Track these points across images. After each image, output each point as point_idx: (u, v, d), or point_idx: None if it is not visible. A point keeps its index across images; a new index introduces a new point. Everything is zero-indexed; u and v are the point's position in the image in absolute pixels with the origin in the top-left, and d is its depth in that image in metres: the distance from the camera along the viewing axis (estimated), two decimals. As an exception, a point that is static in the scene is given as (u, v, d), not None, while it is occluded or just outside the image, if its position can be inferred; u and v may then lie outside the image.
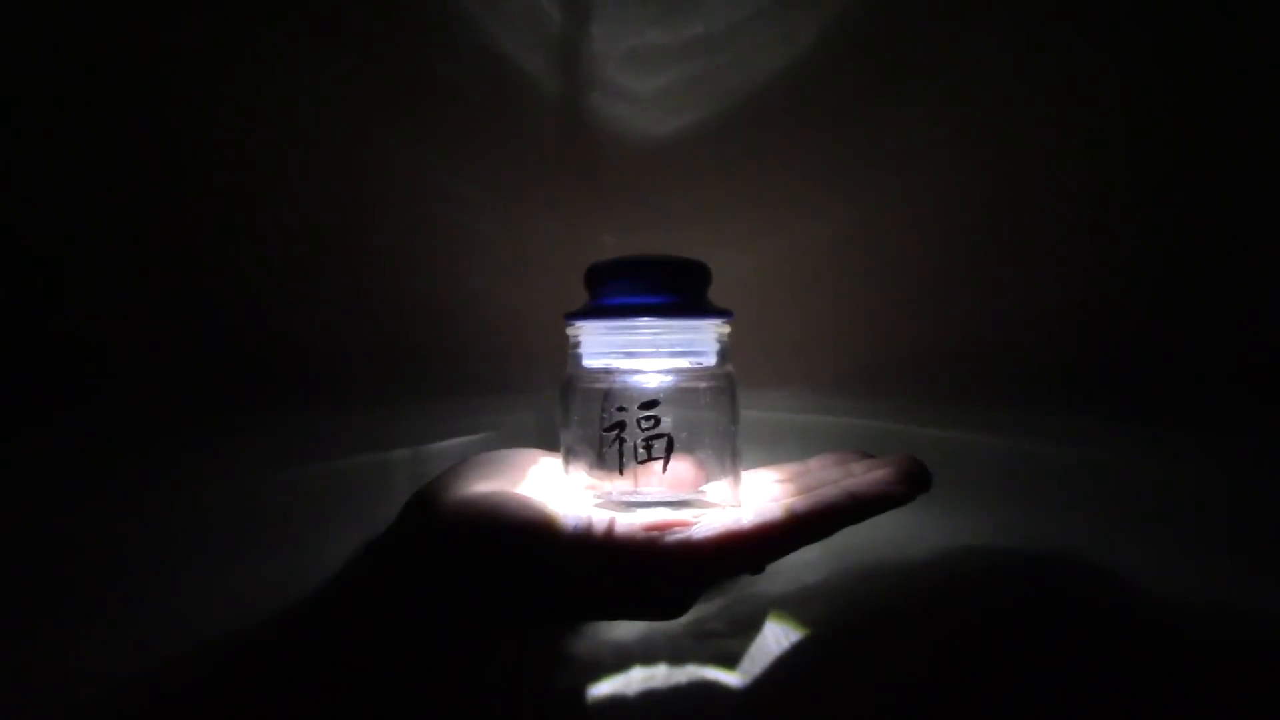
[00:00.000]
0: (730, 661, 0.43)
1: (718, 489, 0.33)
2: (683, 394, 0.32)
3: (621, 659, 0.42)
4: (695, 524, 0.29)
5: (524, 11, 0.43)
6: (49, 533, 0.35)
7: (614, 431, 0.32)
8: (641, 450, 0.32)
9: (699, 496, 0.32)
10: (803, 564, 0.43)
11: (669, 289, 0.32)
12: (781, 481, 0.34)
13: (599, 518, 0.29)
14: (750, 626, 0.43)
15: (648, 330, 0.32)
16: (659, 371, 0.32)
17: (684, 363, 0.33)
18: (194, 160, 0.39)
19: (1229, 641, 0.37)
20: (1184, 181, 0.39)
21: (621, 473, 0.32)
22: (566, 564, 0.28)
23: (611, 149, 0.45)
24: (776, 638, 0.43)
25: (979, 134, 0.42)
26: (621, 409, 0.32)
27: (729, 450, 0.33)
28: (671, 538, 0.28)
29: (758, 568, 0.32)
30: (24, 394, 0.36)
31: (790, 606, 0.43)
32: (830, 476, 0.33)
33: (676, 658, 0.43)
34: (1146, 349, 0.40)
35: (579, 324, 0.33)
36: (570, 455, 0.33)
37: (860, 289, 0.44)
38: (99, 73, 0.37)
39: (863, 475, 0.31)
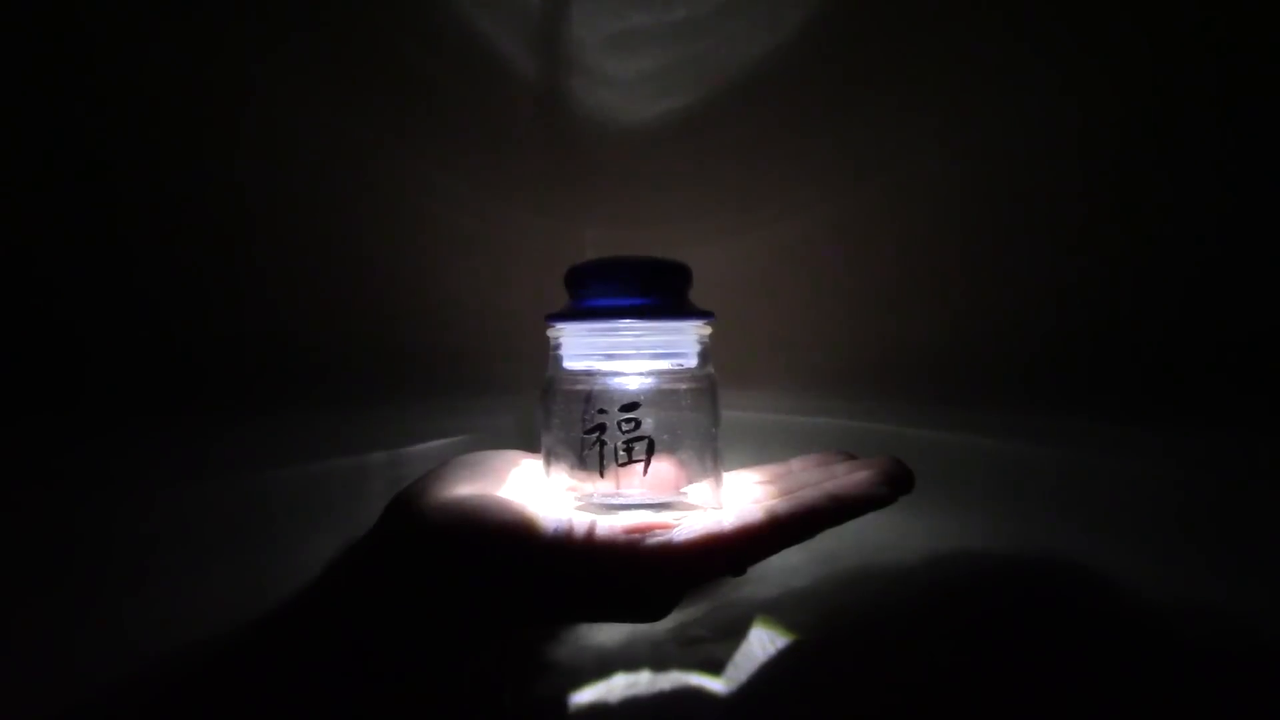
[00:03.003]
0: (715, 667, 0.42)
1: (699, 490, 0.32)
2: (663, 396, 0.32)
3: (604, 665, 0.42)
4: (676, 526, 0.29)
5: None
6: (26, 534, 0.34)
7: (595, 434, 0.32)
8: (622, 452, 0.31)
9: (680, 498, 0.32)
10: (788, 568, 0.43)
11: (650, 290, 0.32)
12: (763, 483, 0.34)
13: (579, 520, 0.29)
14: (735, 632, 0.43)
15: (629, 332, 0.32)
16: (640, 373, 0.32)
17: (665, 364, 0.33)
18: (179, 159, 0.38)
19: (1216, 643, 0.37)
20: (1171, 180, 0.39)
21: (602, 475, 0.32)
22: (547, 567, 0.28)
23: (593, 136, 0.44)
24: (762, 643, 0.43)
25: (963, 130, 0.42)
26: (602, 411, 0.32)
27: (710, 452, 0.33)
28: (652, 540, 0.28)
29: (739, 570, 0.31)
30: (5, 394, 0.35)
31: (775, 612, 0.43)
32: (812, 478, 0.33)
33: (660, 664, 0.42)
34: (1132, 349, 0.40)
35: (560, 326, 0.33)
36: (551, 457, 0.33)
37: (843, 287, 0.44)
38: (86, 71, 0.37)
39: (845, 477, 0.31)
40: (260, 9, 0.39)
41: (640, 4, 0.43)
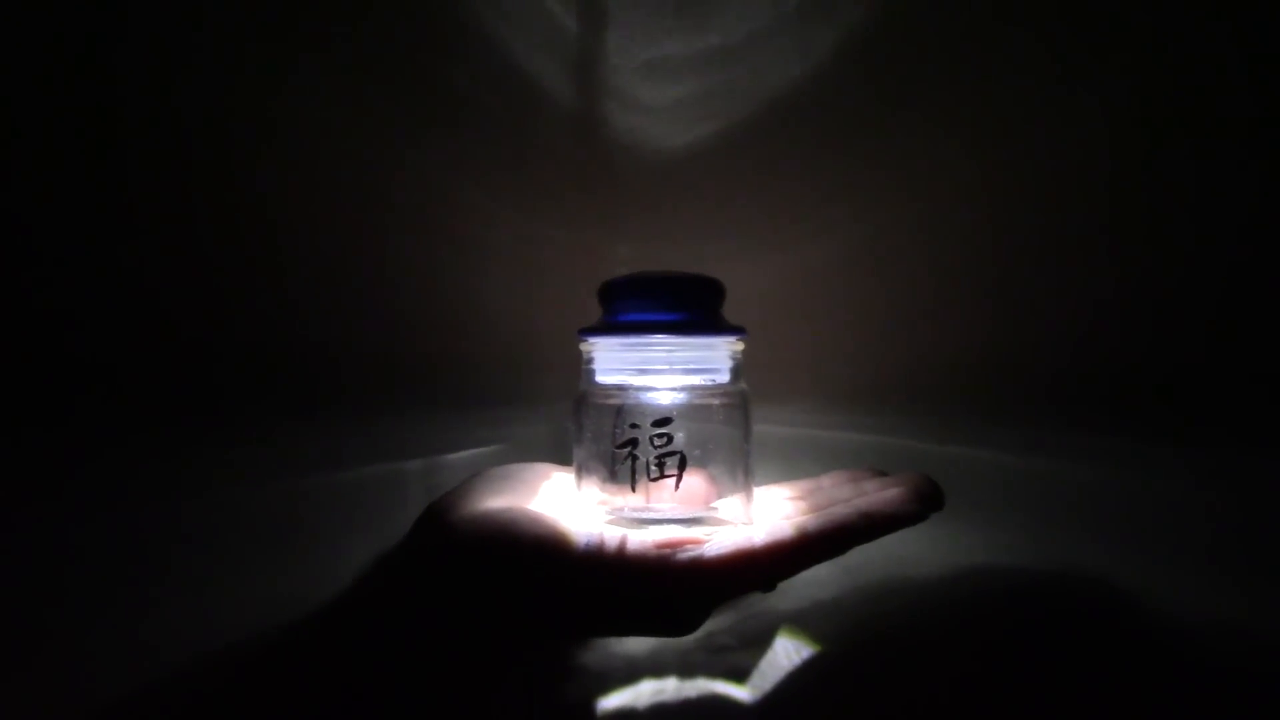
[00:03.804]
0: (740, 676, 0.43)
1: (730, 506, 0.32)
2: (696, 411, 0.32)
3: (631, 672, 0.42)
4: (707, 542, 0.29)
5: (541, 22, 0.43)
6: (60, 539, 0.35)
7: (627, 448, 0.32)
8: (654, 467, 0.32)
9: (711, 513, 0.32)
10: (813, 580, 0.43)
11: (683, 306, 0.32)
12: (794, 499, 0.34)
13: (611, 535, 0.29)
14: (761, 641, 0.43)
15: (661, 347, 0.32)
16: (672, 389, 0.32)
17: (697, 380, 0.33)
18: (211, 174, 0.39)
19: (1238, 660, 0.37)
20: (1198, 198, 0.38)
21: (634, 489, 0.32)
22: (578, 581, 0.28)
23: (627, 160, 0.45)
24: (787, 653, 0.43)
25: (992, 150, 0.41)
26: (635, 425, 0.32)
27: (741, 467, 0.33)
28: (683, 556, 0.28)
29: (769, 586, 0.31)
30: (41, 400, 0.36)
31: (800, 622, 0.43)
32: (842, 494, 0.33)
33: (686, 671, 0.43)
34: (1160, 368, 0.39)
35: (592, 340, 0.33)
36: (583, 471, 0.33)
37: (874, 305, 0.44)
38: (111, 79, 0.37)
39: (875, 494, 0.30)
40: (302, 22, 0.40)
41: (673, 31, 0.43)
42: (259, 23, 0.39)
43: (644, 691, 0.42)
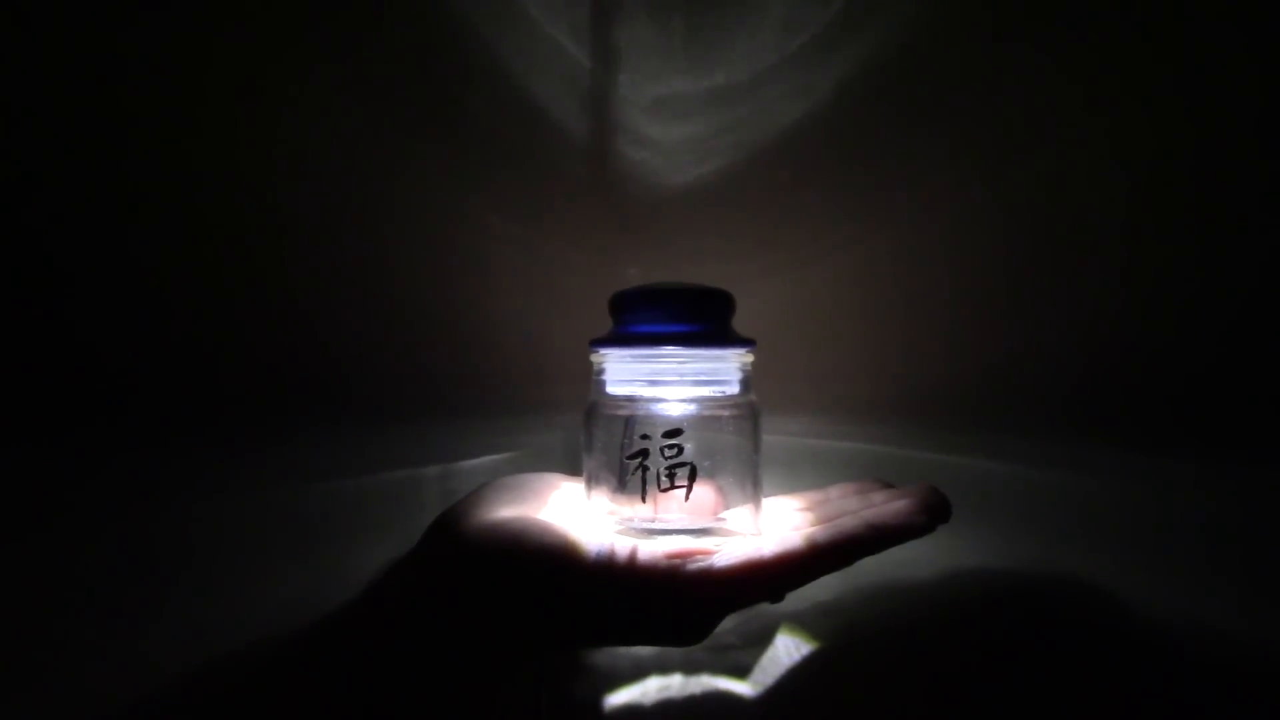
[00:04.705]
0: (743, 673, 0.43)
1: (738, 516, 0.33)
2: (705, 422, 0.32)
3: (638, 670, 0.43)
4: (716, 552, 0.29)
5: (555, 59, 0.44)
6: (77, 544, 0.35)
7: (637, 459, 0.32)
8: (665, 478, 0.32)
9: (719, 524, 0.32)
10: (815, 582, 0.44)
11: (693, 317, 0.32)
12: (802, 510, 0.34)
13: (621, 545, 0.29)
14: (762, 640, 0.44)
15: (672, 358, 0.32)
16: (682, 400, 0.33)
17: (707, 391, 0.33)
18: (233, 185, 0.39)
19: (1240, 671, 0.37)
20: (1211, 216, 0.38)
21: (644, 499, 0.32)
22: (589, 591, 0.29)
23: (637, 190, 0.46)
24: (788, 650, 0.44)
25: (1001, 169, 0.42)
26: (645, 436, 0.32)
27: (750, 478, 0.33)
28: (693, 566, 0.28)
29: (778, 597, 0.32)
30: (59, 407, 0.36)
31: (800, 621, 0.44)
32: (850, 506, 0.33)
33: (691, 668, 0.43)
34: (1166, 382, 0.40)
35: (603, 351, 0.33)
36: (593, 481, 0.33)
37: (882, 319, 0.45)
38: (124, 89, 0.37)
39: (883, 506, 0.31)
40: (323, 42, 0.40)
41: (681, 70, 0.45)
42: (280, 40, 0.39)
43: (650, 688, 0.43)
